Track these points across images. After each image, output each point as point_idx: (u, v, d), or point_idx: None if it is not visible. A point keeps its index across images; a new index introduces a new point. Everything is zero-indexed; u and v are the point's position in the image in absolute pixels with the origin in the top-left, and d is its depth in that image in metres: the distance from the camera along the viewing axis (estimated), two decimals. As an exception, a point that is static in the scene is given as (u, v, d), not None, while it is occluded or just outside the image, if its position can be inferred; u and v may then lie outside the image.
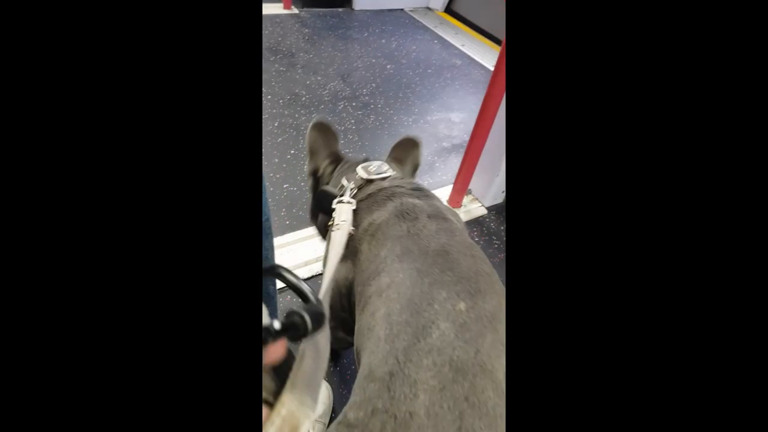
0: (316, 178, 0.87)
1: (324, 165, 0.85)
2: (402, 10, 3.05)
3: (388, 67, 2.26)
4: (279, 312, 0.79)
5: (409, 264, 0.55)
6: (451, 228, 0.62)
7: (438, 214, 0.64)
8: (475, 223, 1.47)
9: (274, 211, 1.33)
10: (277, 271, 0.31)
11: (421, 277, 0.52)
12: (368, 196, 0.69)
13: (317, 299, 0.29)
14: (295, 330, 0.27)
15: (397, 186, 0.70)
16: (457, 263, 0.54)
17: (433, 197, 0.71)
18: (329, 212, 0.68)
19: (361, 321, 0.55)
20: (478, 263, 0.56)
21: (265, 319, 0.28)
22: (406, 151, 0.88)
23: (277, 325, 0.27)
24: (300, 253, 1.21)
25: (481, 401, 0.43)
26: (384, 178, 0.74)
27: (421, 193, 0.70)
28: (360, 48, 2.39)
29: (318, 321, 0.28)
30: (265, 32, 2.32)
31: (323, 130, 0.84)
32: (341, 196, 0.70)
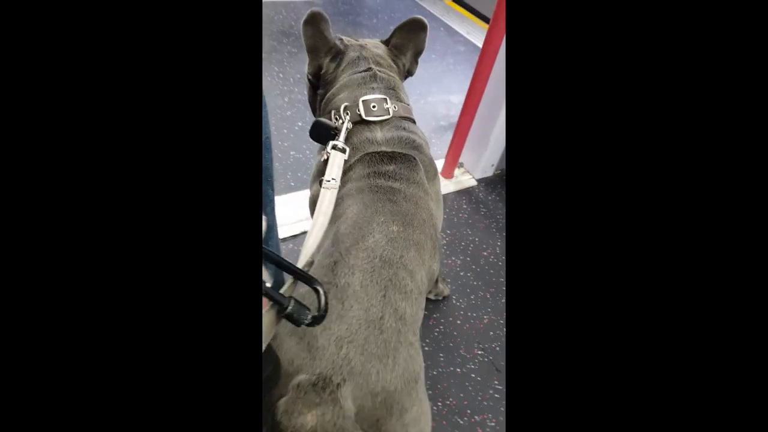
0: (318, 76, 0.85)
1: (326, 62, 0.83)
2: (411, -2, 3.16)
3: (394, 51, 2.38)
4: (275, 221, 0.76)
5: (359, 199, 0.67)
6: (409, 179, 0.71)
7: (401, 173, 0.70)
8: (465, 193, 1.60)
9: (281, 174, 1.47)
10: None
11: (366, 208, 0.65)
12: (355, 148, 0.74)
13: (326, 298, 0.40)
14: (296, 316, 0.38)
15: (387, 143, 0.74)
16: (398, 204, 0.67)
17: (420, 153, 0.75)
18: (324, 143, 0.73)
19: (320, 242, 0.67)
20: (418, 210, 0.68)
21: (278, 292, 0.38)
22: (409, 35, 0.86)
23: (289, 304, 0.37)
24: (302, 210, 1.36)
25: (402, 284, 0.58)
26: (381, 120, 0.75)
27: (410, 146, 0.74)
28: (368, 33, 2.51)
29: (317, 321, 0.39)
30: (279, 17, 2.46)
31: (318, 21, 0.79)
32: (336, 133, 0.73)
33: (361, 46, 0.85)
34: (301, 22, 0.79)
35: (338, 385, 0.47)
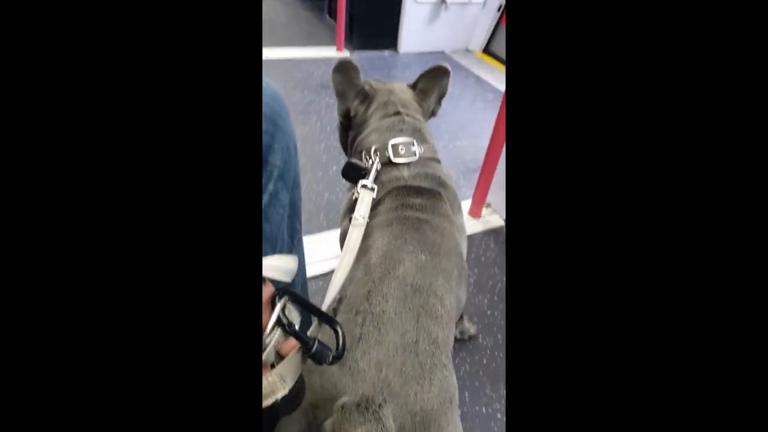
0: (348, 118, 0.93)
1: (355, 105, 0.91)
2: (443, 52, 3.34)
3: (425, 100, 2.51)
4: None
5: (388, 231, 0.71)
6: (435, 211, 0.76)
7: (428, 205, 0.76)
8: (492, 233, 1.62)
9: (314, 215, 1.56)
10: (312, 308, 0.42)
11: (396, 239, 0.69)
12: (383, 185, 0.79)
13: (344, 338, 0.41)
14: (318, 356, 0.40)
15: (414, 179, 0.79)
16: (426, 234, 0.71)
17: (445, 188, 0.80)
18: (355, 183, 0.79)
19: (351, 275, 0.71)
20: (445, 240, 0.72)
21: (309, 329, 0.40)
22: (433, 80, 0.94)
23: (315, 343, 0.39)
24: (333, 248, 1.42)
25: (432, 310, 0.61)
26: (408, 163, 0.80)
27: (436, 183, 0.80)
28: (401, 84, 2.67)
29: (336, 358, 0.40)
30: (319, 71, 2.67)
31: (346, 69, 0.87)
32: (366, 173, 0.79)
33: (390, 91, 0.93)
34: (332, 69, 0.88)
35: (380, 405, 0.49)
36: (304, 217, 1.53)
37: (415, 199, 0.77)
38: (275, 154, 0.49)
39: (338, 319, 0.61)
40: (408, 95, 0.95)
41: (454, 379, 0.58)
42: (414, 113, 0.91)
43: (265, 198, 0.49)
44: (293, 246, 0.63)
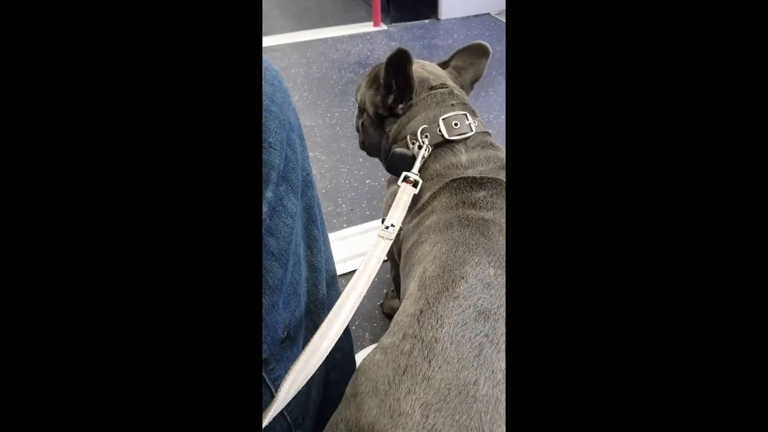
0: (388, 109, 0.78)
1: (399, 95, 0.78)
2: (488, 14, 3.07)
3: (471, 69, 2.31)
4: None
5: (448, 235, 0.59)
6: (502, 205, 0.63)
7: (494, 200, 0.63)
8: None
9: (356, 203, 1.46)
10: None
11: (457, 247, 0.57)
12: (438, 176, 0.68)
13: None
14: None
15: (473, 164, 0.68)
16: (494, 239, 0.58)
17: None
18: (398, 175, 0.67)
19: (405, 285, 0.62)
20: None
21: None
22: (470, 59, 0.84)
23: None
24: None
25: (501, 340, 0.48)
26: (465, 138, 0.69)
27: (498, 167, 0.68)
28: (444, 54, 2.46)
29: None
30: (355, 49, 2.54)
31: (403, 60, 0.72)
32: (413, 162, 0.68)
33: (422, 65, 0.81)
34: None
35: None
36: (345, 207, 1.45)
37: (477, 192, 0.64)
38: (271, 150, 0.38)
39: (383, 340, 0.51)
40: (440, 71, 0.82)
41: None
42: (456, 85, 0.80)
43: (265, 208, 0.39)
44: (313, 257, 0.53)
